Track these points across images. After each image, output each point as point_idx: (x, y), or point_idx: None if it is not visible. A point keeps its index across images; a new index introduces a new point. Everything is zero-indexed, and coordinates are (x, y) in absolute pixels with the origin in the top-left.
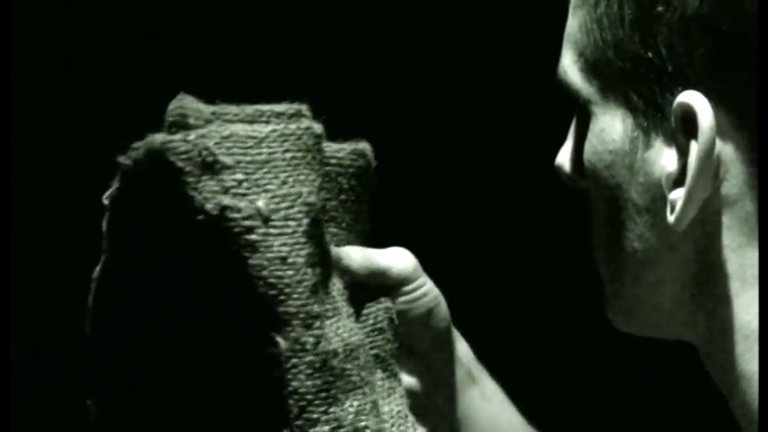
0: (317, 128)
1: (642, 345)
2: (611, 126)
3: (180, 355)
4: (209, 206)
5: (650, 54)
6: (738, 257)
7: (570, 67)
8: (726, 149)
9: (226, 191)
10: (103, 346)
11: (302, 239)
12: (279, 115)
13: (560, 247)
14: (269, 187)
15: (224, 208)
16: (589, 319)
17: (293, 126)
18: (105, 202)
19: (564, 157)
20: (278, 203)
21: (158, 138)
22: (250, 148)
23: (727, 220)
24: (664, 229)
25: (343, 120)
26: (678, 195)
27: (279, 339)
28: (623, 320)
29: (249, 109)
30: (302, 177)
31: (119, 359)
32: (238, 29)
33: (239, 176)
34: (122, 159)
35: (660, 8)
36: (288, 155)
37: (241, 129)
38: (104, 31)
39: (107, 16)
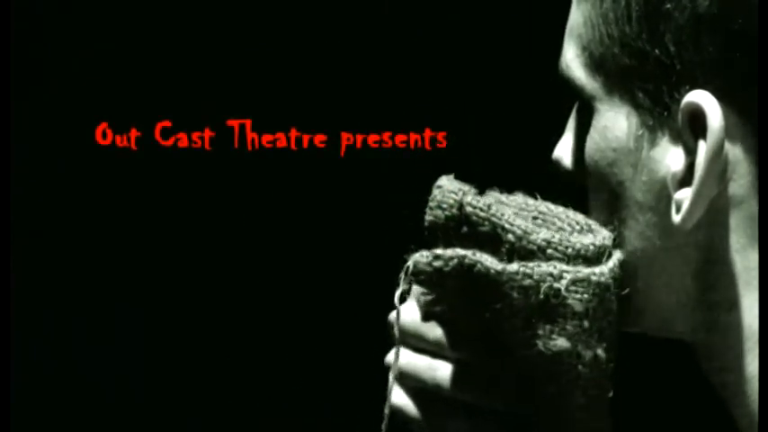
0: None
1: (639, 344)
2: (614, 123)
3: None
4: (540, 345)
5: (658, 51)
6: (742, 259)
7: (573, 61)
8: (733, 149)
9: (569, 337)
10: None
11: (610, 379)
12: (603, 250)
13: None
14: (606, 333)
15: (560, 352)
16: None
17: (617, 269)
18: (396, 303)
19: (562, 151)
20: (608, 350)
21: (489, 261)
22: (597, 295)
23: (732, 220)
24: (666, 227)
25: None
26: (684, 195)
27: None
28: (622, 318)
29: (590, 240)
30: (615, 321)
31: None
32: None
33: (585, 324)
34: (420, 263)
35: (669, 6)
36: (613, 297)
37: (588, 272)
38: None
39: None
